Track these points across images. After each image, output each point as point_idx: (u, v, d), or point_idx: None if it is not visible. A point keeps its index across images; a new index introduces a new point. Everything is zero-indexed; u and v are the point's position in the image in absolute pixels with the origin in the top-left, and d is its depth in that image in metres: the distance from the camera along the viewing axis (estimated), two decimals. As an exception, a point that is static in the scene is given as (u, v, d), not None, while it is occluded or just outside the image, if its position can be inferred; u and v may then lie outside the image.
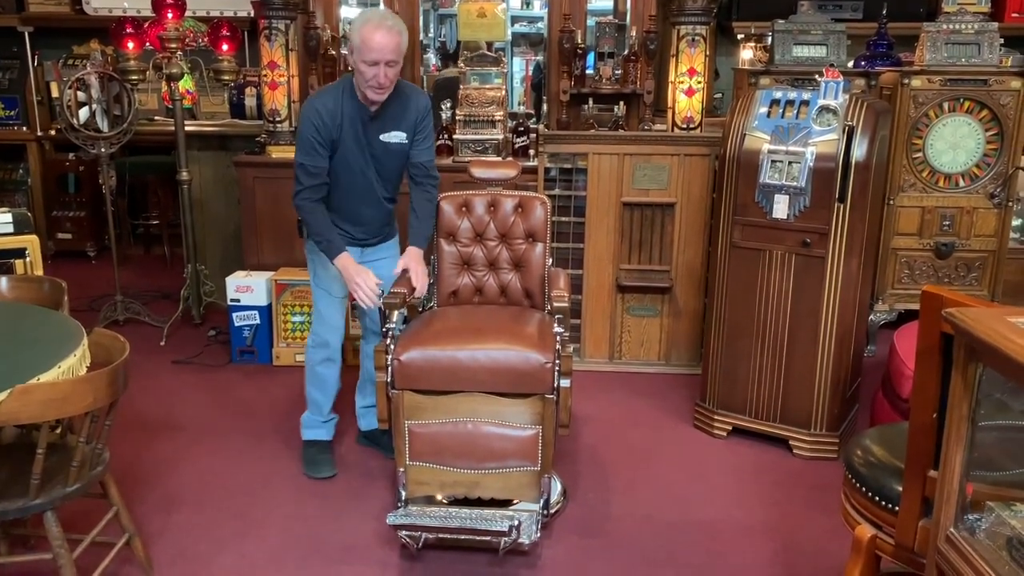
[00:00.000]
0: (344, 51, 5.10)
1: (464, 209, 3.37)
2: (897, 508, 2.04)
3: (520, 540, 2.79)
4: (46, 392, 2.16)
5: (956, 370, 1.65)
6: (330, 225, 3.18)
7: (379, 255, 3.39)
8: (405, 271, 3.18)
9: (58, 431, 2.62)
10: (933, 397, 1.83)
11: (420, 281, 3.18)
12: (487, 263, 3.40)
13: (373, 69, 2.99)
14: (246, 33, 5.81)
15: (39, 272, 3.50)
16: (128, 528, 2.63)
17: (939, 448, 1.79)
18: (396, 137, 3.22)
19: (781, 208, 3.43)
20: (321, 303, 3.39)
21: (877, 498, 2.14)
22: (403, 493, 2.95)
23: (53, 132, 6.41)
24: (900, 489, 2.03)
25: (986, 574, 1.56)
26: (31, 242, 3.52)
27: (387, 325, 2.94)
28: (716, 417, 3.75)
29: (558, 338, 2.90)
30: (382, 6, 5.22)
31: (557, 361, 2.84)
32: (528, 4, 7.85)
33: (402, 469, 2.94)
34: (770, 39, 4.49)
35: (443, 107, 4.74)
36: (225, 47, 4.68)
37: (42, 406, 2.14)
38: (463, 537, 2.82)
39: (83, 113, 4.80)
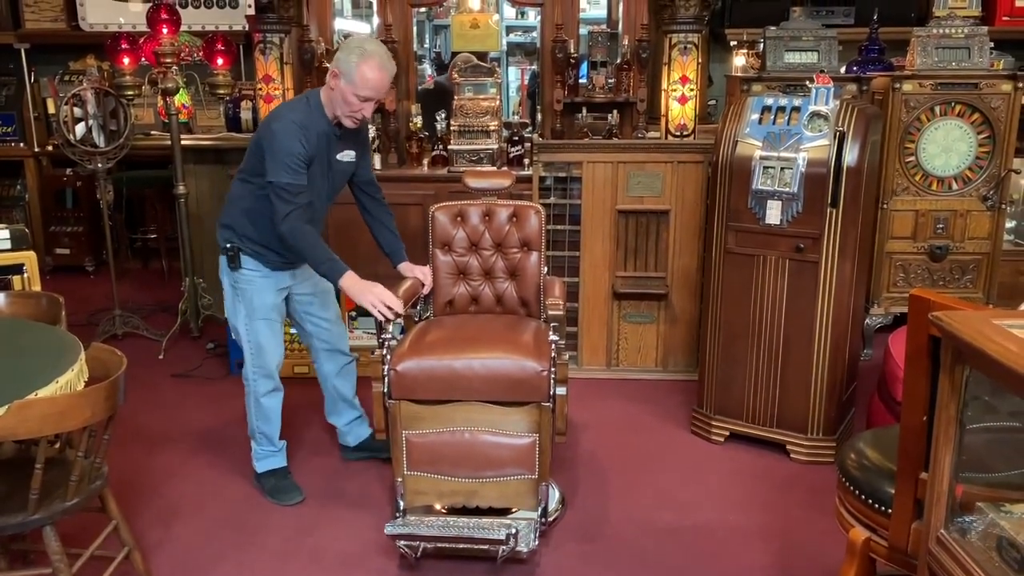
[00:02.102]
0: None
1: (459, 219, 3.40)
2: (890, 511, 2.05)
3: (518, 548, 2.80)
4: (44, 407, 2.17)
5: (943, 373, 1.67)
6: (326, 245, 3.06)
7: (310, 273, 3.30)
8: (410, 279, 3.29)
9: (56, 446, 2.63)
10: (923, 400, 1.85)
11: (428, 278, 3.33)
12: (482, 272, 3.42)
13: (362, 104, 3.01)
14: (241, 47, 5.83)
15: (37, 288, 3.52)
16: (127, 541, 2.63)
17: (930, 450, 1.80)
18: (348, 156, 3.23)
19: (774, 214, 3.45)
20: (261, 335, 3.24)
21: (870, 501, 2.16)
22: (401, 503, 2.96)
23: (50, 148, 6.44)
24: (893, 492, 2.04)
25: (976, 575, 1.58)
26: (29, 258, 3.53)
27: (383, 336, 2.95)
28: (713, 423, 3.76)
29: (554, 346, 2.92)
30: (376, 18, 5.25)
31: (553, 369, 2.85)
32: (523, 14, 7.89)
33: (400, 479, 2.95)
34: (762, 46, 4.52)
35: (437, 117, 4.77)
36: (220, 61, 4.71)
37: (40, 421, 2.15)
38: (461, 546, 2.83)
39: (79, 129, 4.82)
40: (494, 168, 4.55)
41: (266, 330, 3.24)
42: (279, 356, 3.33)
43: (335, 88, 3.01)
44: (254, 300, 3.20)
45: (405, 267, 3.37)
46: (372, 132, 4.57)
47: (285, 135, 2.96)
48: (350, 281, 2.98)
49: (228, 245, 3.16)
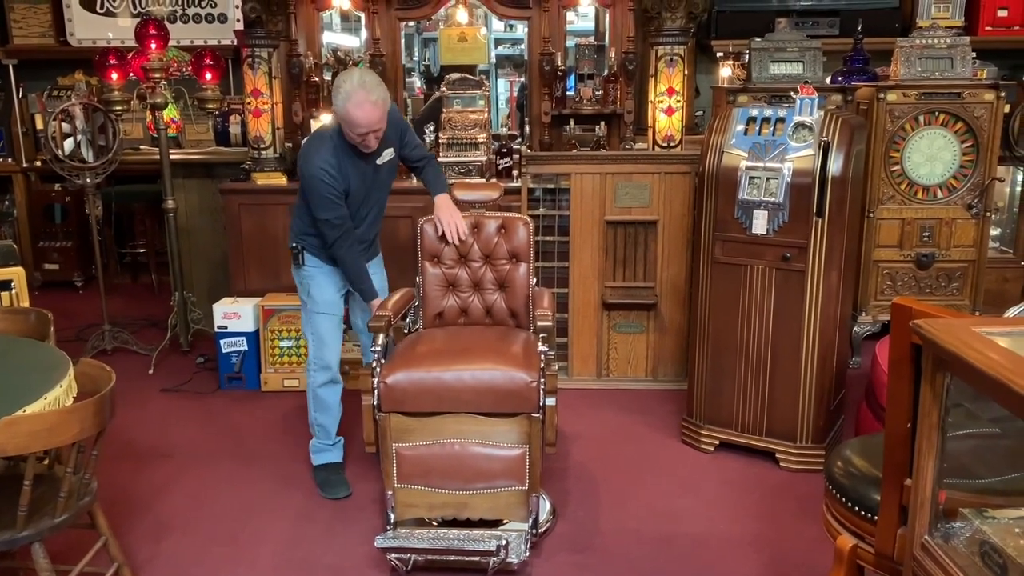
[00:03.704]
0: (327, 77, 5.15)
1: (443, 237, 3.43)
2: (876, 517, 2.07)
3: (509, 559, 2.80)
4: (32, 423, 2.16)
5: (925, 380, 1.68)
6: (366, 271, 3.39)
7: (370, 271, 3.50)
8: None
9: (45, 462, 2.62)
10: (907, 407, 1.86)
11: (451, 231, 3.36)
12: (472, 284, 3.43)
13: (363, 138, 3.18)
14: (229, 61, 5.85)
15: (25, 303, 3.52)
16: (117, 558, 2.63)
17: (914, 457, 1.81)
18: (389, 155, 3.41)
19: (760, 223, 3.47)
20: (322, 327, 3.47)
21: (857, 508, 2.17)
22: (392, 516, 2.96)
23: (39, 163, 6.43)
24: (879, 499, 2.05)
25: (960, 580, 1.59)
26: (17, 274, 3.53)
27: (373, 348, 2.96)
28: (703, 432, 3.77)
29: (543, 356, 2.93)
30: (364, 32, 5.27)
31: (542, 379, 2.86)
32: (511, 27, 7.92)
33: (390, 492, 2.95)
34: (747, 57, 4.56)
35: (426, 130, 4.79)
36: (209, 76, 4.72)
37: (28, 437, 2.14)
38: (452, 558, 2.83)
39: (68, 144, 4.82)
40: (483, 180, 4.57)
41: (326, 323, 3.46)
42: (337, 350, 3.51)
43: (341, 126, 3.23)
44: (315, 294, 3.45)
45: (438, 204, 3.43)
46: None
47: (312, 178, 3.23)
48: (378, 303, 3.31)
49: (294, 244, 3.44)
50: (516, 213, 3.64)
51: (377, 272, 3.60)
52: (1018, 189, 5.29)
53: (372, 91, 3.11)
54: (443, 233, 3.37)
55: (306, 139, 3.69)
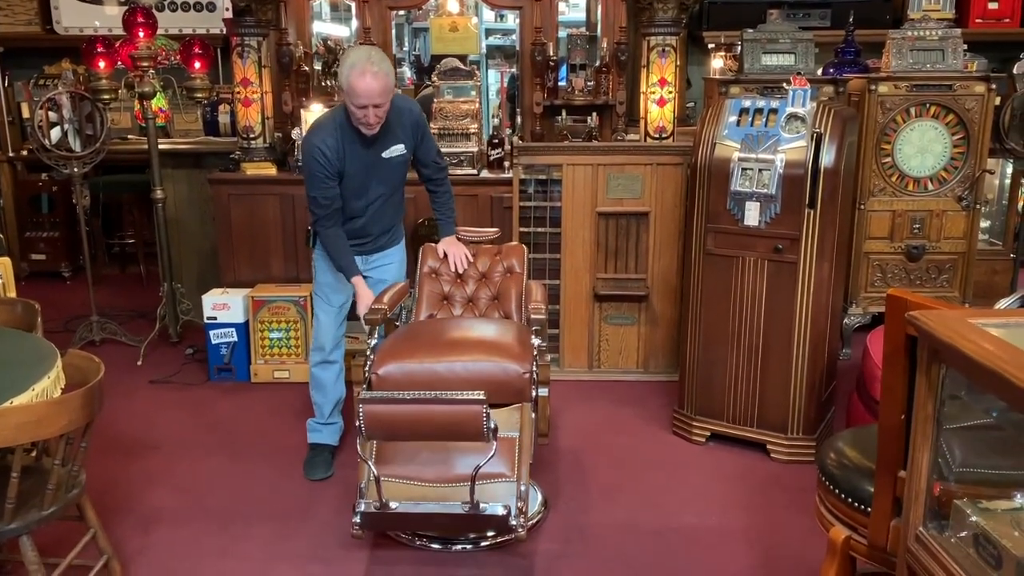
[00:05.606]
0: (317, 67, 5.13)
1: (446, 258, 3.51)
2: (869, 509, 2.07)
3: (512, 524, 2.71)
4: (20, 415, 2.15)
5: (920, 371, 1.69)
6: (346, 251, 3.39)
7: (384, 261, 3.58)
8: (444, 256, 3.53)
9: (33, 454, 2.60)
10: (901, 399, 1.86)
11: (454, 260, 3.49)
12: (467, 300, 3.50)
13: (362, 111, 3.16)
14: (219, 50, 5.80)
15: (12, 294, 3.48)
16: (106, 550, 2.61)
17: (908, 449, 1.81)
18: (397, 151, 3.40)
19: (753, 215, 3.47)
20: (318, 308, 3.57)
21: (850, 499, 2.17)
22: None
23: (25, 153, 6.36)
24: (872, 490, 2.06)
25: (954, 571, 1.59)
26: (3, 264, 3.49)
27: (368, 340, 2.95)
28: (694, 423, 3.77)
29: (535, 348, 2.92)
30: (355, 21, 5.24)
31: (535, 370, 2.85)
32: (502, 17, 7.88)
33: (363, 484, 2.88)
34: (739, 48, 4.54)
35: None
36: (198, 65, 4.68)
37: (16, 429, 2.13)
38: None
39: (55, 133, 4.77)
40: (476, 171, 4.56)
41: (323, 305, 3.54)
42: (329, 333, 3.55)
43: (345, 101, 3.22)
44: (318, 276, 3.55)
45: (443, 242, 3.55)
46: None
47: (307, 155, 3.30)
48: (358, 280, 3.38)
49: (309, 226, 3.52)
50: (513, 243, 3.78)
51: (395, 261, 3.62)
52: (1008, 181, 5.31)
53: (376, 63, 3.11)
54: (445, 256, 3.51)
55: (313, 122, 3.73)
